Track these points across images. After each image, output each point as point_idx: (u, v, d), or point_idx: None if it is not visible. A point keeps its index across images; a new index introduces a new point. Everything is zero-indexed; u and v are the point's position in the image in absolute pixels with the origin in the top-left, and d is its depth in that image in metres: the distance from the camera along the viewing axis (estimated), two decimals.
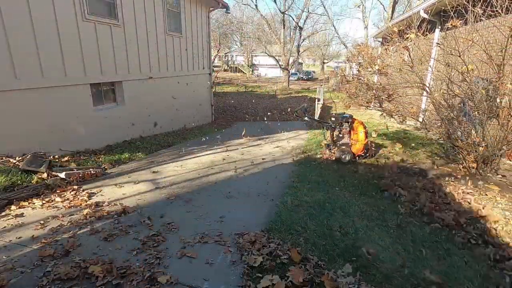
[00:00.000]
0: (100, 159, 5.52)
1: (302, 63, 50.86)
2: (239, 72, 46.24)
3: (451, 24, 3.81)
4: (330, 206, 3.48)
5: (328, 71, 42.34)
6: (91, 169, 4.70)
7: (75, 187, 4.03)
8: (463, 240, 2.84)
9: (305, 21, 29.17)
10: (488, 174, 4.15)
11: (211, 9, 10.97)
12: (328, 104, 16.45)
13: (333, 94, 17.42)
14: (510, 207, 3.36)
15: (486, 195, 3.68)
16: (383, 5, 30.82)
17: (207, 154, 6.23)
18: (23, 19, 4.80)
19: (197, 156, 6.01)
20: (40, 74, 5.15)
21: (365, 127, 5.46)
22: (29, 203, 3.49)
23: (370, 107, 5.90)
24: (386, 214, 3.36)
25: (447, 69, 4.15)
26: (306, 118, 6.12)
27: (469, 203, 3.48)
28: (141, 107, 7.74)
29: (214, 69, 30.53)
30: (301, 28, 29.10)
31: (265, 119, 11.10)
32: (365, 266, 2.38)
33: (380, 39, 14.11)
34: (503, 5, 3.67)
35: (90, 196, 3.80)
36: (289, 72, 29.65)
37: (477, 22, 3.95)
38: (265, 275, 2.18)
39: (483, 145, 3.91)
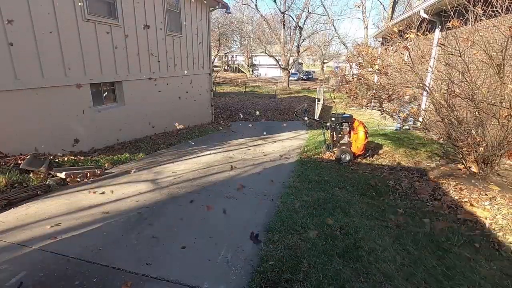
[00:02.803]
0: (101, 159, 5.52)
1: (302, 63, 50.89)
2: (239, 72, 46.28)
3: (451, 24, 3.80)
4: (330, 206, 3.48)
5: (328, 71, 42.33)
6: (91, 169, 4.70)
7: (75, 187, 4.02)
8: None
9: (305, 21, 29.25)
10: (489, 174, 4.14)
11: (211, 9, 10.98)
12: (328, 104, 16.46)
13: (333, 94, 17.41)
14: (510, 207, 3.36)
15: (486, 195, 3.67)
16: (383, 5, 30.93)
17: (207, 154, 6.22)
18: (23, 20, 4.80)
19: (198, 156, 6.01)
20: (40, 74, 5.15)
21: (365, 127, 5.46)
22: (28, 203, 3.48)
23: (370, 107, 5.89)
24: (386, 214, 3.36)
25: (447, 69, 4.14)
26: (306, 118, 6.13)
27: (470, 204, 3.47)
28: (141, 107, 7.74)
29: (214, 69, 30.55)
30: (301, 28, 29.13)
31: (265, 119, 11.10)
32: (366, 266, 2.38)
33: (380, 39, 14.11)
34: (503, 5, 3.67)
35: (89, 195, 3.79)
36: (289, 72, 29.67)
37: (477, 22, 3.94)
38: None
39: (483, 145, 3.90)
